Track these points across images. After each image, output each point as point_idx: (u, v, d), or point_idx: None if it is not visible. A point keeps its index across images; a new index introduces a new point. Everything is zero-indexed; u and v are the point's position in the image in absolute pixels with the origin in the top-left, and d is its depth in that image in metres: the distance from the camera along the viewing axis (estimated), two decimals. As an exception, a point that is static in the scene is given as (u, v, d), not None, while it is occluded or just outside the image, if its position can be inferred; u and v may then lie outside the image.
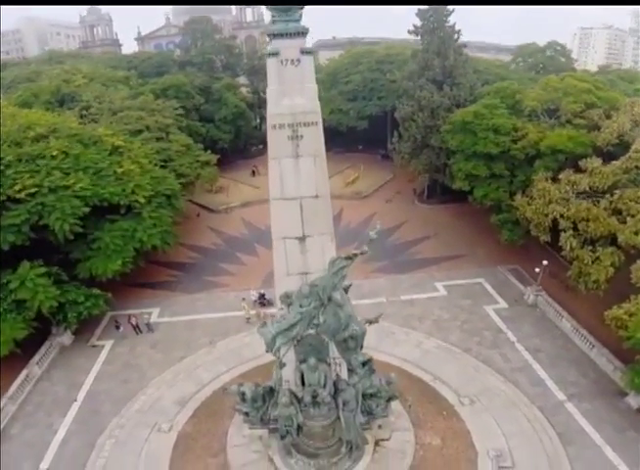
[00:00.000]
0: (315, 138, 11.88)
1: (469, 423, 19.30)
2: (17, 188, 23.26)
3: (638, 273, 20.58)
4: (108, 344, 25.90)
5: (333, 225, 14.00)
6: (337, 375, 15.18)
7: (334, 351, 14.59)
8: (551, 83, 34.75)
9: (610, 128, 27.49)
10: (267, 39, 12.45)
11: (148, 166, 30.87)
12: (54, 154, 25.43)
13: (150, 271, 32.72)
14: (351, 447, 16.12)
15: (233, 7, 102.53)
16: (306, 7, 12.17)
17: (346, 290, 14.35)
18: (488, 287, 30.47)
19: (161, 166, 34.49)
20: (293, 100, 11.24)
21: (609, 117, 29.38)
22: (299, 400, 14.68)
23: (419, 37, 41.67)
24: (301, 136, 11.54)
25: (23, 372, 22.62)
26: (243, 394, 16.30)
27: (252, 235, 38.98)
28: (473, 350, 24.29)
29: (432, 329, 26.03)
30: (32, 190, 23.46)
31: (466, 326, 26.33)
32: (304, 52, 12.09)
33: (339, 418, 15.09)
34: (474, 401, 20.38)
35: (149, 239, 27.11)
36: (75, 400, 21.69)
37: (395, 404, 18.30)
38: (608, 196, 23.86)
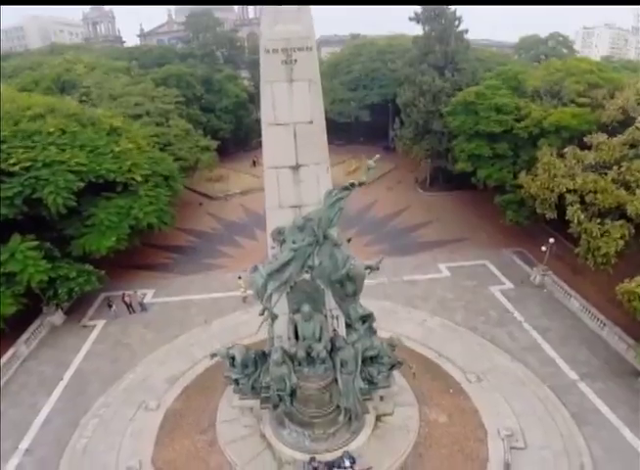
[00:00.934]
0: (310, 63, 11.37)
1: (476, 401, 18.33)
2: (11, 162, 22.83)
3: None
4: (100, 324, 25.18)
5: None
6: (334, 331, 14.12)
7: (330, 302, 13.67)
8: (553, 65, 34.28)
9: (614, 105, 26.88)
10: None
11: (146, 148, 30.52)
12: (50, 130, 25.04)
13: (147, 253, 32.21)
14: (350, 417, 15.03)
15: (235, 5, 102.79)
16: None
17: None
18: (493, 268, 29.76)
19: (161, 150, 34.18)
20: (287, 26, 10.74)
21: (613, 96, 28.72)
22: (293, 359, 13.68)
23: (420, 24, 41.25)
24: (295, 60, 11.04)
25: (10, 351, 22.01)
26: (232, 357, 15.05)
27: (252, 220, 38.44)
28: (479, 328, 23.51)
29: (436, 308, 25.35)
30: (27, 164, 22.97)
31: (471, 306, 25.60)
32: None
33: (336, 381, 14.10)
34: (481, 379, 19.53)
35: (145, 216, 26.52)
36: (62, 379, 20.99)
37: (398, 378, 17.25)
38: (615, 168, 23.21)
